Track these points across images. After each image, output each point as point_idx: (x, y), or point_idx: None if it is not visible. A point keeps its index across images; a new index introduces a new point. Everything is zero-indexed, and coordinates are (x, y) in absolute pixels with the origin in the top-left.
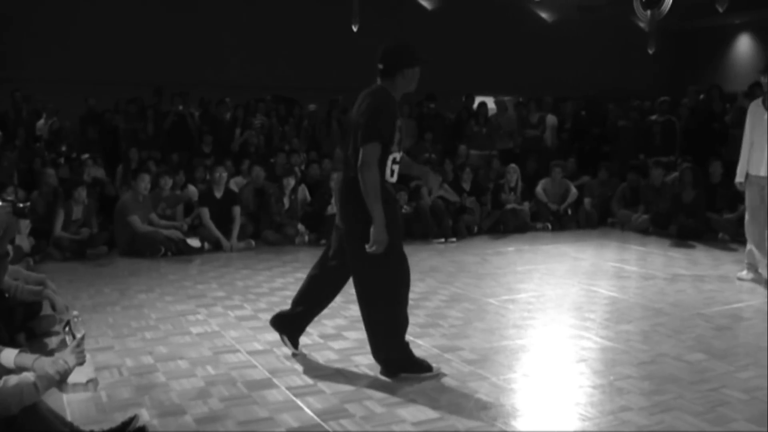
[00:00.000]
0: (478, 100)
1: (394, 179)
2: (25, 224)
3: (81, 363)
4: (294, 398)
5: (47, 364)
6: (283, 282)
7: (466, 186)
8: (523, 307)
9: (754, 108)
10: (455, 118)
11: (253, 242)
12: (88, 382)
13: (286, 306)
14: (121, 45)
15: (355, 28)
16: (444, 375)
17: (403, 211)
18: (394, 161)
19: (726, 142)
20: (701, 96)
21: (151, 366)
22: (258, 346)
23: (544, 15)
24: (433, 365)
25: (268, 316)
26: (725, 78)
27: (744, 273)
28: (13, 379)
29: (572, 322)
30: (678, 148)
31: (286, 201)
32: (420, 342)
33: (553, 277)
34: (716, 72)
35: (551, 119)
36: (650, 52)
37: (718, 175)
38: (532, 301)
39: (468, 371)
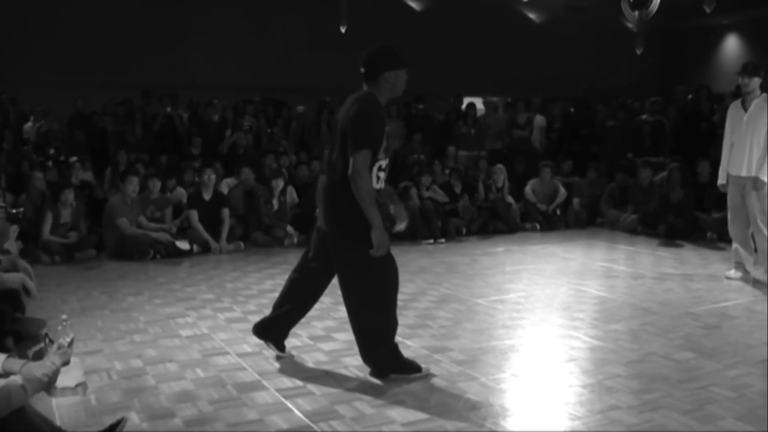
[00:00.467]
0: (466, 100)
1: (381, 186)
2: (14, 228)
3: (66, 362)
4: (283, 400)
5: (35, 368)
6: (272, 284)
7: (458, 189)
8: (512, 308)
9: (734, 109)
10: (444, 119)
11: (242, 244)
12: (77, 385)
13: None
14: (109, 47)
15: (343, 29)
16: (433, 376)
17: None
18: (380, 168)
19: (714, 142)
20: (689, 96)
21: (140, 369)
22: (247, 348)
23: (532, 16)
24: (423, 366)
25: (258, 318)
26: (713, 78)
27: (732, 272)
28: (0, 382)
29: (561, 322)
30: (667, 148)
31: (275, 203)
32: (409, 343)
33: (542, 277)
34: (704, 72)
35: (539, 120)
36: (638, 52)
37: (706, 174)
38: (521, 302)
39: (457, 372)
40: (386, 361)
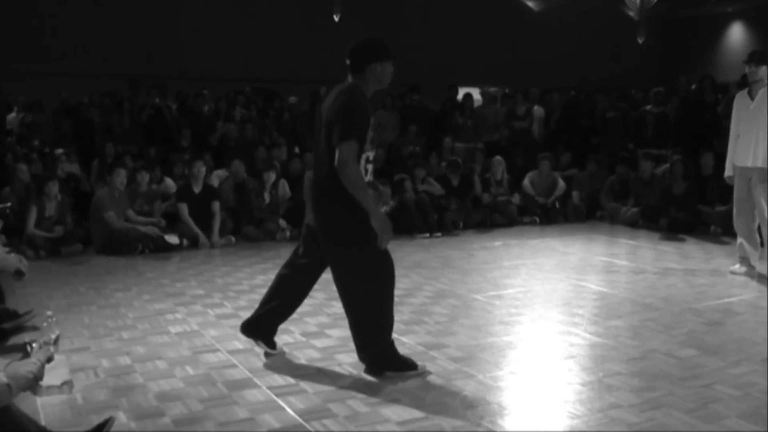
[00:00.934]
0: (463, 91)
1: (369, 178)
2: None
3: (51, 358)
4: (275, 398)
5: (19, 365)
6: (264, 279)
7: (455, 182)
8: (510, 303)
9: (740, 99)
10: (439, 110)
11: (233, 238)
12: (62, 384)
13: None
14: (95, 36)
15: (336, 18)
16: (429, 373)
17: (386, 209)
18: (367, 160)
19: (718, 134)
20: (693, 86)
21: (128, 367)
22: (238, 345)
23: (530, 4)
24: (418, 363)
25: (249, 314)
26: (717, 68)
27: (737, 267)
28: None
29: (560, 318)
30: (670, 140)
31: (266, 196)
32: (404, 339)
33: (540, 272)
34: (708, 61)
35: (538, 111)
36: (639, 41)
37: (710, 166)
38: (519, 297)
39: (454, 369)
40: (382, 358)
